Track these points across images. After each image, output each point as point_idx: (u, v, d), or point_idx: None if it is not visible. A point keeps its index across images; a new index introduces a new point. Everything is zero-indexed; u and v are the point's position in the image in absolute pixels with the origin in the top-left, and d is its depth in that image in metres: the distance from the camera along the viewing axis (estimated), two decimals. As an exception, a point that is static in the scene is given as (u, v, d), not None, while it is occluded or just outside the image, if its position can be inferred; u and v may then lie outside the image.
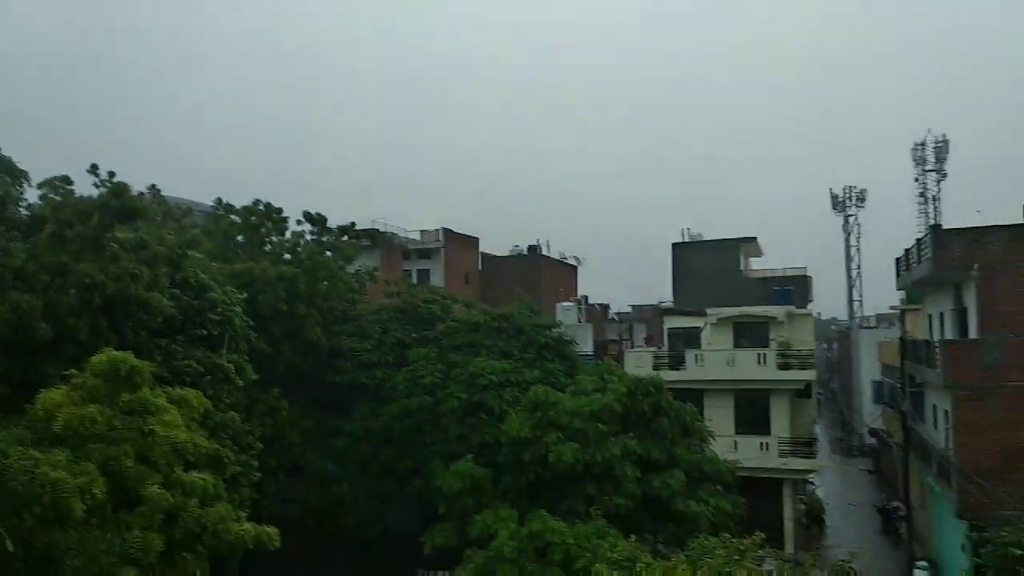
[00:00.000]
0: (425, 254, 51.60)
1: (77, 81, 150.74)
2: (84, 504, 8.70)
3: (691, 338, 36.28)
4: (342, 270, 32.21)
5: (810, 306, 45.22)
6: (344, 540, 28.66)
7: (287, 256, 31.27)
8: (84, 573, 9.54)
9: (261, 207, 31.41)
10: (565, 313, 40.95)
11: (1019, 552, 17.60)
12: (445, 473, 22.68)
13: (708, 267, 44.59)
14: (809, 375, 33.07)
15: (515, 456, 22.35)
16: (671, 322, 38.24)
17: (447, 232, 51.94)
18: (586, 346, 38.98)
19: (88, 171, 25.62)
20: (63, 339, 16.75)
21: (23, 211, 21.58)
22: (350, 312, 32.28)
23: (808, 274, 48.62)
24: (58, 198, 21.26)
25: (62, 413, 10.08)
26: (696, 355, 33.70)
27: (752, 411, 32.73)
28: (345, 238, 32.74)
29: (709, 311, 35.83)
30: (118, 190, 19.08)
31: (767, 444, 31.78)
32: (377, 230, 41.21)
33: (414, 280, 46.83)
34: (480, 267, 55.21)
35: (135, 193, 21.62)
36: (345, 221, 33.44)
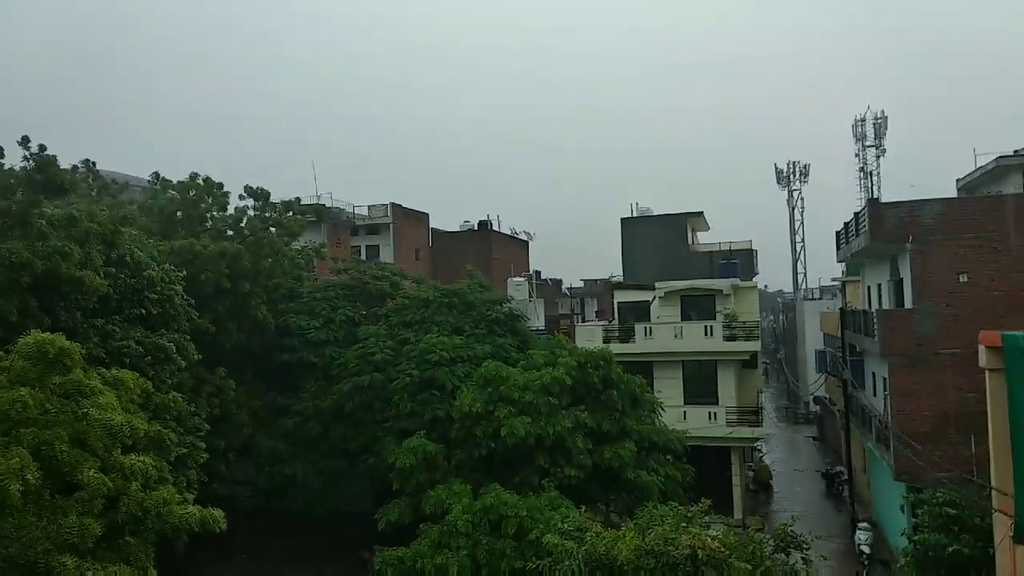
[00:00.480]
0: (374, 230, 50.87)
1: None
2: (19, 488, 8.29)
3: (641, 311, 36.68)
4: (287, 247, 31.48)
5: (756, 279, 46.17)
6: (296, 520, 28.35)
7: (229, 232, 30.40)
8: (20, 560, 9.13)
9: (200, 181, 30.36)
10: (516, 288, 40.90)
11: (953, 511, 18.41)
12: (398, 450, 22.52)
13: (656, 241, 45.06)
14: (755, 346, 33.81)
15: (467, 431, 22.32)
16: (621, 296, 38.57)
17: (396, 207, 51.25)
18: (538, 321, 39.07)
19: (19, 143, 24.43)
20: (-10, 321, 15.96)
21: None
22: (297, 289, 31.61)
23: (753, 248, 49.59)
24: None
25: (-12, 397, 9.58)
26: (645, 328, 34.11)
27: (700, 382, 33.37)
28: (290, 214, 31.88)
29: (657, 285, 36.25)
30: (43, 163, 18.14)
31: (715, 414, 32.45)
32: (323, 205, 40.30)
33: (363, 256, 46.18)
34: (431, 243, 54.74)
35: (65, 167, 20.65)
36: (291, 198, 32.60)
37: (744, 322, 33.90)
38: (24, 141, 25.26)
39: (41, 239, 16.79)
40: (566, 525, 15.49)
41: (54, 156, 18.66)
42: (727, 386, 33.10)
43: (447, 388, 25.74)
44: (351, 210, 50.51)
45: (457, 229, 58.15)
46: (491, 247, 53.29)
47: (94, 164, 31.21)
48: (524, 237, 60.87)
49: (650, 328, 34.10)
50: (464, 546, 18.57)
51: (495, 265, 50.03)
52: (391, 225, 50.50)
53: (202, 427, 21.83)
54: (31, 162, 21.83)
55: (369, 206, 51.85)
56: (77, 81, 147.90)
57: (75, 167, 29.27)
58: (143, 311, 20.67)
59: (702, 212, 48.83)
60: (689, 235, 48.41)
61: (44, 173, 17.56)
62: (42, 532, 9.47)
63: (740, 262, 42.52)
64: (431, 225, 55.65)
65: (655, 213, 48.78)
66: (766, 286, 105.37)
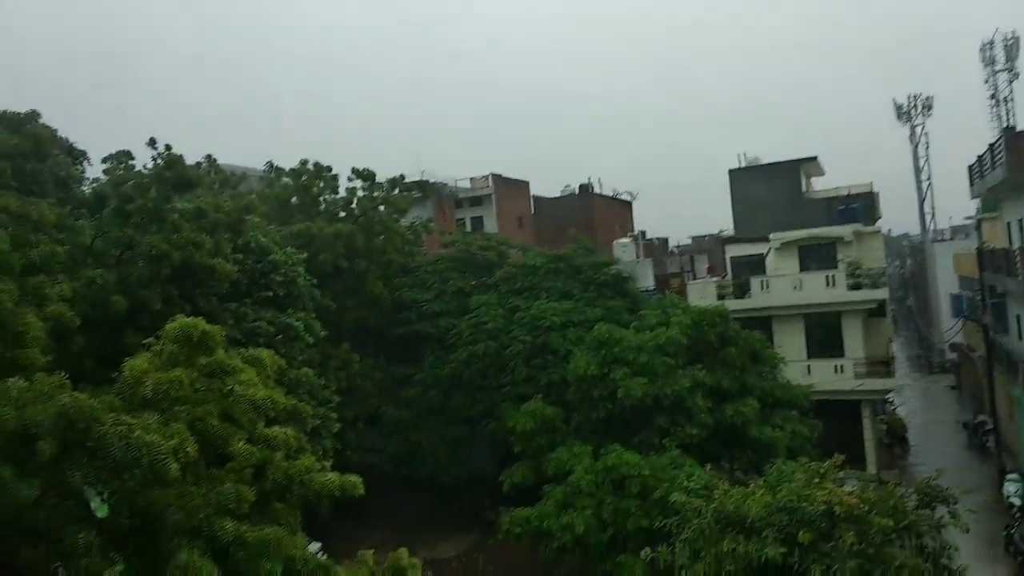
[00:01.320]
0: (476, 201, 51.38)
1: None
2: (179, 463, 9.06)
3: (755, 265, 35.42)
4: (396, 223, 32.36)
5: (879, 223, 43.44)
6: (424, 484, 29.52)
7: (342, 214, 31.55)
8: (184, 526, 10.00)
9: (310, 167, 31.62)
10: (622, 250, 40.38)
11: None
12: (516, 414, 22.95)
13: (768, 192, 43.15)
14: (881, 294, 32.00)
15: (584, 394, 22.44)
16: (733, 251, 37.37)
17: (496, 178, 51.52)
18: (647, 281, 38.45)
19: (147, 144, 26.20)
20: (138, 310, 17.33)
21: (86, 189, 22.24)
22: (408, 264, 32.56)
23: (874, 190, 46.64)
24: (120, 172, 21.79)
25: (149, 378, 10.42)
26: (762, 282, 32.93)
27: (824, 334, 31.99)
28: (396, 192, 32.75)
29: (772, 236, 34.83)
30: (171, 161, 19.38)
31: (841, 366, 31.08)
32: (427, 181, 41.07)
33: (468, 228, 46.82)
34: (532, 210, 54.77)
35: (190, 164, 21.98)
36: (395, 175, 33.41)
37: (869, 269, 32.13)
38: (151, 142, 27.16)
39: (176, 232, 18.04)
40: (692, 483, 15.32)
41: (180, 155, 19.91)
42: (853, 337, 31.58)
43: (560, 353, 25.93)
44: (454, 184, 51.23)
45: (558, 195, 57.89)
46: (594, 210, 52.71)
47: (214, 159, 33.05)
48: (627, 197, 59.86)
49: (767, 281, 32.90)
50: (588, 505, 18.80)
51: (599, 228, 49.49)
52: (493, 195, 50.84)
53: (332, 399, 23.05)
54: (159, 161, 23.45)
55: (471, 178, 52.38)
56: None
57: (198, 163, 31.12)
58: (271, 293, 21.90)
59: (816, 157, 46.29)
60: (803, 182, 46.09)
61: (172, 170, 18.79)
62: (202, 499, 10.33)
63: (860, 206, 40.15)
64: (532, 192, 55.64)
65: (765, 162, 46.72)
66: (890, 230, 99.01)
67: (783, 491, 12.56)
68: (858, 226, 35.00)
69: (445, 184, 49.55)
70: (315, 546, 15.35)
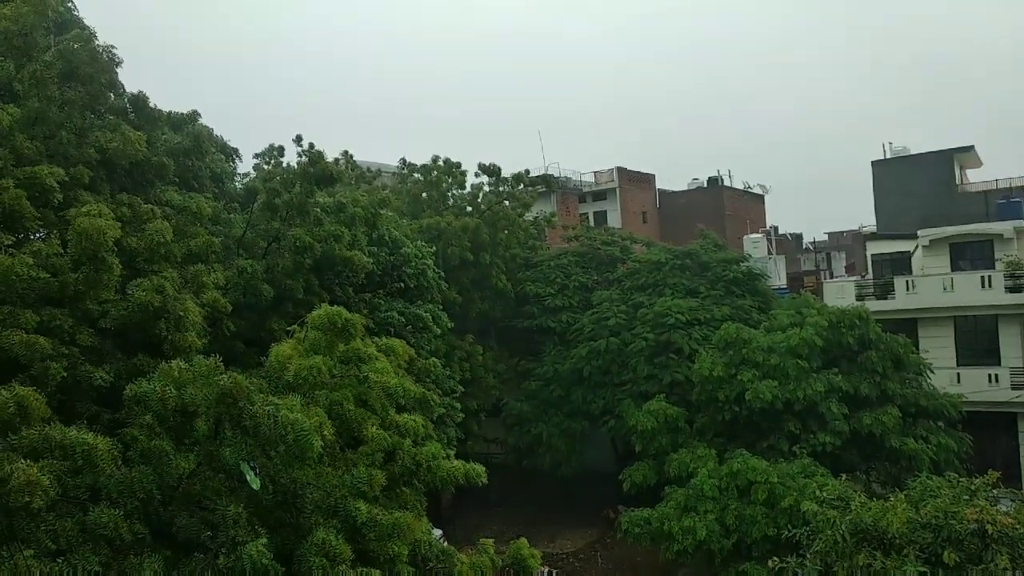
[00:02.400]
0: (600, 196, 51.12)
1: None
2: (320, 443, 9.64)
3: (899, 264, 33.16)
4: (520, 218, 32.75)
5: (1045, 219, 39.42)
6: (543, 477, 29.80)
7: (468, 208, 32.30)
8: (322, 505, 10.62)
9: (441, 163, 32.57)
10: (753, 246, 38.92)
11: None
12: (637, 413, 22.73)
13: (916, 184, 40.14)
14: (1046, 297, 29.05)
15: (708, 395, 21.90)
16: (875, 248, 35.13)
17: (621, 171, 51.01)
18: (779, 279, 36.89)
19: (293, 141, 27.88)
20: (283, 299, 18.51)
21: (238, 185, 23.95)
22: (532, 258, 32.90)
23: (1041, 183, 42.32)
24: (267, 168, 23.30)
25: (292, 364, 11.12)
26: (907, 282, 30.74)
27: (977, 340, 29.47)
28: (520, 186, 33.16)
29: (920, 233, 32.42)
30: (314, 158, 20.50)
31: (996, 376, 28.51)
32: (551, 175, 41.27)
33: (591, 223, 46.69)
34: (658, 204, 53.82)
35: (330, 160, 23.20)
36: (520, 170, 33.84)
37: (1032, 270, 29.27)
38: (298, 139, 28.91)
39: (318, 225, 19.09)
40: (824, 493, 14.63)
41: (322, 151, 21.03)
42: (1011, 344, 28.87)
43: (684, 352, 25.39)
44: (577, 178, 51.18)
45: (685, 188, 56.53)
46: (723, 204, 51.10)
47: (351, 155, 34.69)
48: (758, 191, 57.58)
49: (913, 281, 30.67)
50: (711, 510, 18.37)
51: (728, 223, 47.95)
52: (617, 189, 50.39)
53: (456, 389, 23.70)
54: (304, 157, 24.87)
55: (595, 172, 52.17)
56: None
57: (336, 159, 32.78)
58: (402, 284, 22.77)
59: (972, 147, 42.59)
60: (957, 174, 42.56)
61: (316, 166, 19.87)
62: (338, 480, 10.93)
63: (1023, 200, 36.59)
64: (658, 186, 54.67)
65: (913, 152, 43.51)
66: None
67: (928, 507, 11.78)
68: (1020, 222, 31.95)
69: (569, 178, 49.64)
70: (437, 532, 15.87)
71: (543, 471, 29.12)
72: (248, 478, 9.33)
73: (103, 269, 12.08)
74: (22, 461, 8.33)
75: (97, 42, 16.00)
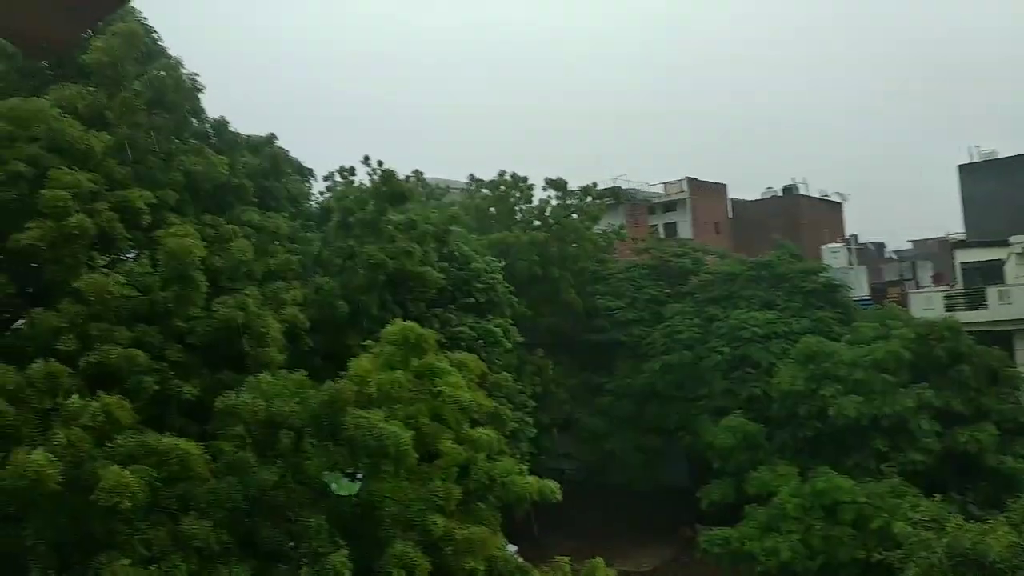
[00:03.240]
0: (670, 207, 50.37)
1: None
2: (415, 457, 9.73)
3: (991, 272, 31.41)
4: (589, 231, 32.54)
5: None
6: (616, 493, 29.36)
7: (536, 222, 32.28)
8: (400, 518, 10.72)
9: (508, 178, 32.72)
10: (832, 256, 37.55)
11: None
12: (714, 429, 22.17)
13: (1008, 189, 38.11)
14: None
15: (789, 411, 21.20)
16: (964, 256, 33.43)
17: (691, 181, 50.17)
18: (860, 290, 35.48)
19: (361, 161, 28.51)
20: (357, 314, 18.88)
21: (313, 204, 24.63)
22: (601, 272, 32.61)
23: None
24: (340, 188, 23.91)
25: (372, 378, 11.30)
26: (1000, 291, 29.11)
27: (1081, 353, 27.61)
28: (588, 199, 32.98)
29: (1012, 240, 30.72)
30: (386, 177, 20.92)
31: (1104, 391, 26.64)
32: (619, 188, 40.98)
33: (661, 234, 46.02)
34: (730, 214, 52.67)
35: (401, 178, 23.61)
36: (585, 183, 33.67)
37: None
38: (366, 159, 29.54)
39: (390, 242, 19.45)
40: (917, 514, 13.92)
41: (393, 170, 21.45)
42: (1120, 357, 26.94)
43: (762, 365, 24.66)
44: (646, 189, 50.60)
45: (759, 197, 55.19)
46: (799, 213, 49.62)
47: (421, 173, 35.26)
48: (836, 199, 55.69)
49: (1007, 291, 29.03)
50: (795, 530, 17.72)
51: (805, 232, 46.46)
52: (687, 200, 49.57)
53: (528, 404, 23.62)
54: (375, 176, 25.41)
55: (664, 183, 51.46)
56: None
57: (407, 177, 33.37)
58: (472, 299, 22.92)
59: (1068, 148, 40.22)
60: (1052, 177, 40.20)
61: (388, 185, 20.28)
62: (415, 494, 11.00)
63: None
64: (730, 195, 53.54)
65: (1003, 156, 41.35)
66: None
67: (1035, 532, 11.05)
68: (1125, 227, 29.92)
69: (637, 190, 49.11)
70: (512, 548, 15.78)
71: (616, 487, 28.68)
72: (334, 486, 9.50)
73: (190, 287, 12.57)
74: (115, 466, 8.68)
75: (182, 70, 16.76)
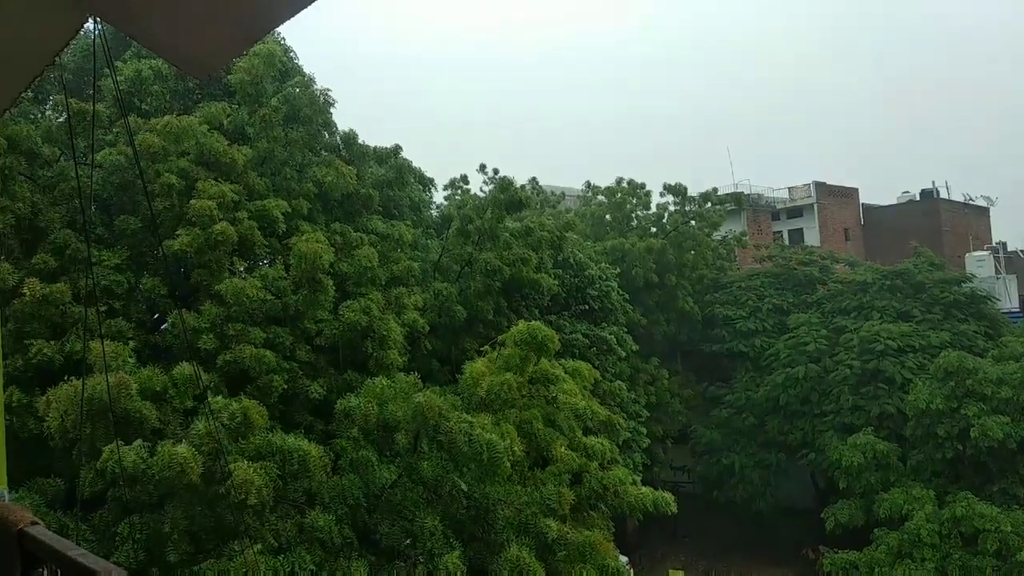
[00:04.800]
0: (796, 212, 48.28)
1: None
2: (509, 462, 9.90)
3: None
4: (708, 238, 31.72)
5: None
6: (734, 510, 28.39)
7: (653, 229, 31.81)
8: (513, 521, 10.87)
9: (625, 184, 32.44)
10: (977, 264, 34.80)
11: None
12: (842, 447, 21.06)
13: None
14: None
15: (926, 430, 19.82)
16: None
17: (819, 185, 47.90)
18: (1009, 302, 32.68)
19: (477, 170, 29.14)
20: (474, 319, 19.30)
21: (434, 212, 25.41)
22: (720, 280, 31.72)
23: None
24: (458, 197, 24.54)
25: (485, 381, 11.55)
26: None
27: None
28: (708, 205, 32.12)
29: None
30: (504, 185, 21.28)
31: None
32: (741, 193, 39.61)
33: (785, 241, 44.19)
34: (862, 220, 49.85)
35: (518, 186, 23.94)
36: (707, 189, 32.86)
37: None
38: (482, 168, 30.13)
39: (507, 249, 19.77)
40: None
41: (511, 178, 21.78)
42: None
43: (895, 381, 23.18)
44: (770, 194, 48.76)
45: (894, 202, 51.92)
46: (939, 219, 46.23)
47: (537, 181, 35.57)
48: (983, 203, 51.50)
49: None
50: (930, 558, 16.57)
51: (946, 239, 43.27)
52: (815, 205, 47.35)
53: (641, 413, 23.30)
54: (492, 184, 25.88)
55: (789, 188, 49.40)
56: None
57: (523, 185, 33.78)
58: (586, 306, 22.89)
59: None
60: None
61: (505, 193, 20.62)
62: (528, 497, 11.13)
63: None
64: (862, 200, 50.67)
65: None
66: None
67: None
68: None
69: (760, 195, 47.42)
70: (623, 559, 15.60)
71: (734, 503, 27.71)
72: (458, 482, 9.75)
73: (319, 290, 13.31)
74: (244, 462, 9.32)
75: (315, 87, 17.78)
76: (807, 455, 25.06)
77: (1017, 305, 33.79)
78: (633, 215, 32.87)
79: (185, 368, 10.74)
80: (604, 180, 33.97)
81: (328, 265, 13.23)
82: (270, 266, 14.83)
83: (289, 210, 15.58)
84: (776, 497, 27.04)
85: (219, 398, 10.09)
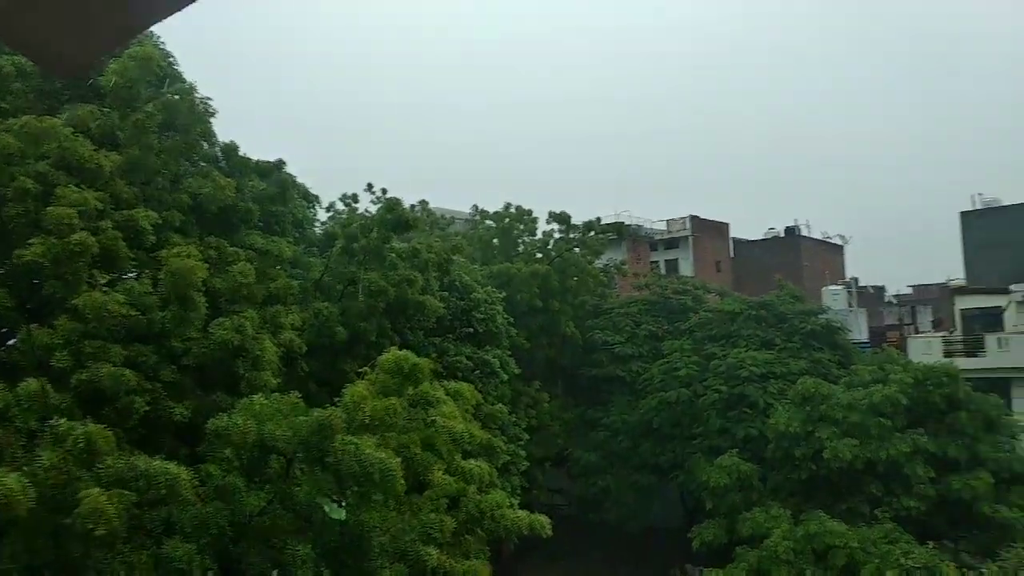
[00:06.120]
0: (672, 244, 50.59)
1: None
2: (402, 481, 9.68)
3: (990, 320, 31.46)
4: (590, 265, 32.67)
5: None
6: (608, 531, 29.09)
7: (538, 255, 32.44)
8: (389, 548, 10.66)
9: (513, 210, 32.96)
10: (833, 298, 37.61)
11: None
12: (709, 468, 22.04)
13: (1009, 237, 38.30)
14: None
15: (784, 452, 21.11)
16: (964, 302, 33.48)
17: (694, 219, 50.46)
18: (860, 333, 35.49)
19: (365, 189, 28.77)
20: (355, 341, 18.93)
21: (318, 230, 24.82)
22: (601, 306, 32.69)
23: None
24: (344, 216, 24.12)
25: (367, 404, 11.31)
26: (999, 339, 29.11)
27: (1078, 403, 27.52)
28: (591, 233, 33.16)
29: (1013, 288, 30.83)
30: (392, 205, 21.11)
31: (1101, 443, 26.48)
32: (622, 223, 41.15)
33: (662, 271, 46.16)
34: (732, 254, 52.87)
35: (406, 207, 23.82)
36: (591, 218, 33.89)
37: None
38: (369, 187, 29.81)
39: (392, 269, 19.58)
40: (910, 561, 13.80)
41: (399, 198, 21.66)
42: (1119, 409, 26.83)
43: (759, 405, 24.60)
44: (649, 226, 50.87)
45: (761, 237, 55.44)
46: (800, 254, 49.79)
47: (427, 203, 35.52)
48: (838, 241, 55.90)
49: (1006, 339, 29.03)
50: (785, 574, 17.51)
51: (806, 273, 46.59)
52: (690, 237, 49.81)
53: (522, 436, 23.53)
54: (379, 203, 25.61)
55: (667, 220, 51.74)
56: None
57: (412, 206, 33.63)
58: (471, 329, 22.97)
59: (1070, 198, 40.46)
60: (1053, 227, 40.39)
61: (392, 213, 20.45)
62: (407, 524, 10.95)
63: None
64: (732, 235, 53.80)
65: (1005, 203, 41.61)
66: None
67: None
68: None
69: (640, 226, 49.35)
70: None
71: (609, 524, 28.42)
72: (327, 509, 9.46)
73: (190, 308, 12.65)
74: (96, 489, 8.65)
75: (196, 95, 17.05)
76: (677, 476, 26.09)
77: (867, 336, 36.72)
78: (520, 240, 33.42)
79: (31, 384, 9.89)
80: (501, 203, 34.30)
81: (200, 281, 12.62)
82: (136, 280, 13.97)
83: (160, 221, 14.78)
84: (648, 518, 27.96)
85: (64, 420, 9.32)
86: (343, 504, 9.89)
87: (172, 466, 9.20)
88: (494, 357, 22.76)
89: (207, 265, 13.52)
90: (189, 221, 16.44)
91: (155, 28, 17.57)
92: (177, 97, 16.64)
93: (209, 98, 17.22)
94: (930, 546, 16.43)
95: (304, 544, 9.93)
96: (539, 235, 33.36)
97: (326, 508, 9.61)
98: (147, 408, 12.16)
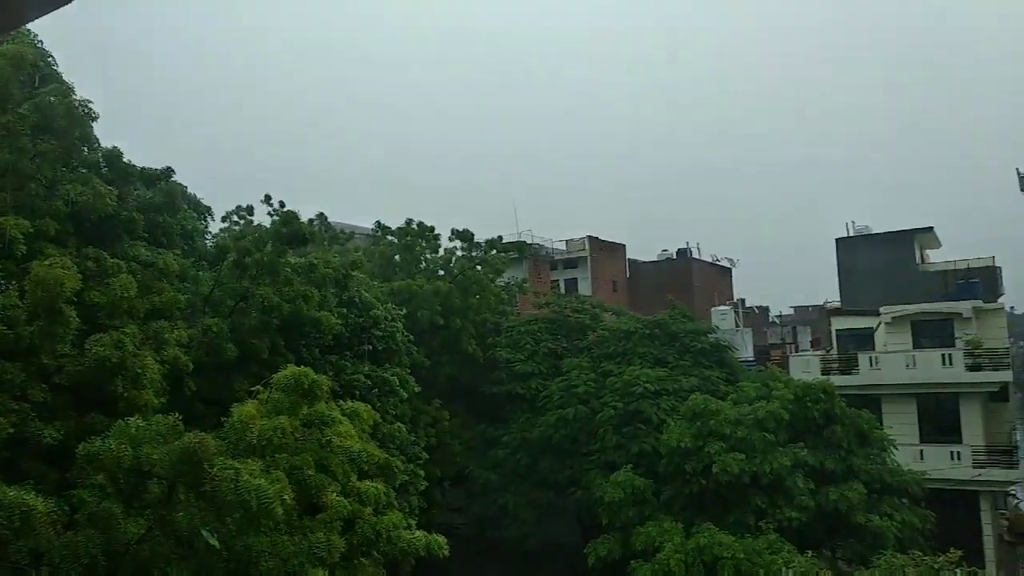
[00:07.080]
0: (572, 263, 51.62)
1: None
2: (281, 508, 9.35)
3: (863, 340, 33.74)
4: (492, 283, 32.83)
5: (1001, 300, 40.59)
6: (507, 549, 29.04)
7: (440, 272, 32.34)
8: (277, 573, 10.23)
9: (415, 227, 32.74)
10: (721, 318, 39.38)
11: None
12: (605, 483, 22.43)
13: (879, 262, 41.27)
14: (1004, 376, 29.66)
15: (676, 467, 21.74)
16: (839, 323, 35.79)
17: (593, 240, 51.72)
18: (746, 352, 37.25)
19: (262, 201, 27.90)
20: (247, 358, 18.20)
21: (209, 243, 23.79)
22: (502, 324, 32.83)
23: (996, 264, 43.71)
24: (238, 228, 23.22)
25: (255, 425, 10.87)
26: (870, 358, 31.25)
27: (939, 417, 29.84)
28: (493, 252, 33.38)
29: (883, 310, 33.15)
30: (288, 218, 20.54)
31: (958, 453, 28.80)
32: (524, 242, 41.67)
33: (562, 290, 46.94)
34: (628, 274, 54.47)
35: (304, 220, 23.22)
36: (493, 236, 34.12)
37: (990, 349, 29.96)
38: (267, 199, 28.93)
39: (287, 285, 18.99)
40: (790, 571, 14.48)
41: (296, 212, 21.08)
42: (972, 422, 29.28)
43: (653, 422, 25.27)
44: (550, 245, 51.74)
45: (655, 259, 57.42)
46: (691, 276, 51.92)
47: (325, 216, 34.76)
48: (726, 264, 58.65)
49: (876, 358, 31.19)
50: (677, 586, 17.99)
51: (697, 294, 48.58)
52: (588, 258, 50.99)
53: (421, 455, 23.22)
54: (275, 216, 24.86)
55: (567, 240, 52.80)
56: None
57: (311, 220, 32.81)
58: (370, 347, 22.54)
59: (932, 228, 44.01)
60: (917, 254, 43.85)
61: (288, 226, 19.89)
62: (295, 547, 10.56)
63: (981, 281, 37.69)
64: (628, 256, 55.45)
65: (875, 232, 44.87)
66: (1012, 308, 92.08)
67: (893, 587, 11.72)
68: (978, 302, 32.85)
69: (541, 245, 50.12)
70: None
71: (508, 542, 28.37)
72: (205, 535, 8.99)
73: (59, 322, 11.82)
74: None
75: (74, 97, 16.06)
76: (575, 493, 26.40)
77: (752, 354, 38.57)
78: (422, 257, 33.20)
79: None
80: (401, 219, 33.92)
81: (73, 293, 11.81)
82: (3, 292, 12.93)
83: (32, 230, 13.78)
84: (547, 535, 28.10)
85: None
86: (214, 533, 9.40)
87: (29, 497, 8.50)
88: (393, 375, 22.41)
89: (84, 277, 12.69)
90: (66, 230, 15.42)
91: (32, 27, 16.49)
92: (53, 99, 15.63)
93: (90, 101, 16.28)
94: (809, 555, 17.28)
95: (187, 572, 9.40)
96: (441, 252, 33.28)
97: (204, 533, 9.14)
98: (12, 430, 11.23)
